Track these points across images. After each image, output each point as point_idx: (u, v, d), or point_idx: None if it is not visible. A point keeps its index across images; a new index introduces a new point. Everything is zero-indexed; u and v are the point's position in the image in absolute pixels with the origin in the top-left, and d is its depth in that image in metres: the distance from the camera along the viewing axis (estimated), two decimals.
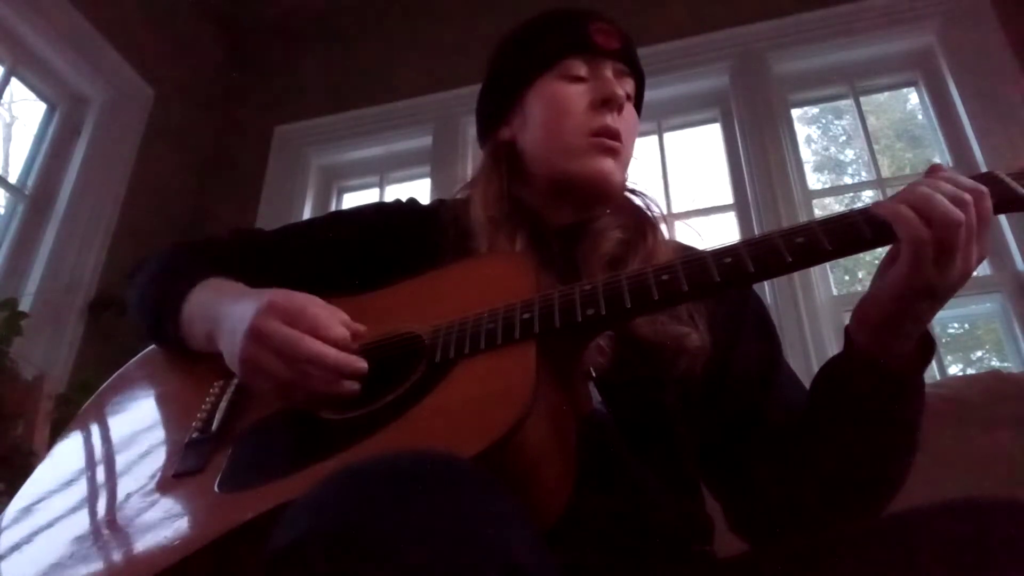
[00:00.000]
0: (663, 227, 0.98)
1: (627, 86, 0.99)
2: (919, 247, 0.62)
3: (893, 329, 0.69)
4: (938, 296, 0.66)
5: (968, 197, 0.63)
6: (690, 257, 0.68)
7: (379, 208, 1.07)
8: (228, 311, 0.77)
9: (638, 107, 1.05)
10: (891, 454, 0.76)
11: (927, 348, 0.72)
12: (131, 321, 0.96)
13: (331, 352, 0.70)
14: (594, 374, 0.78)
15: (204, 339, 0.81)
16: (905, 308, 0.67)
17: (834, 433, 0.76)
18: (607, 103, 0.94)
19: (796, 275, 2.06)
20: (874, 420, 0.73)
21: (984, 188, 0.64)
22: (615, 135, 0.94)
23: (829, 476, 0.77)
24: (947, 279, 0.64)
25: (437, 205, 1.03)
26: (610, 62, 0.97)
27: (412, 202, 1.05)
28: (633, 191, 1.03)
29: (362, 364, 0.71)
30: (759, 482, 0.83)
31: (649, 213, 0.99)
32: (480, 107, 1.09)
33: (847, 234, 0.64)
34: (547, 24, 1.03)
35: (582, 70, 0.97)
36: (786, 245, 0.65)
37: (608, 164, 0.93)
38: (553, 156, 0.96)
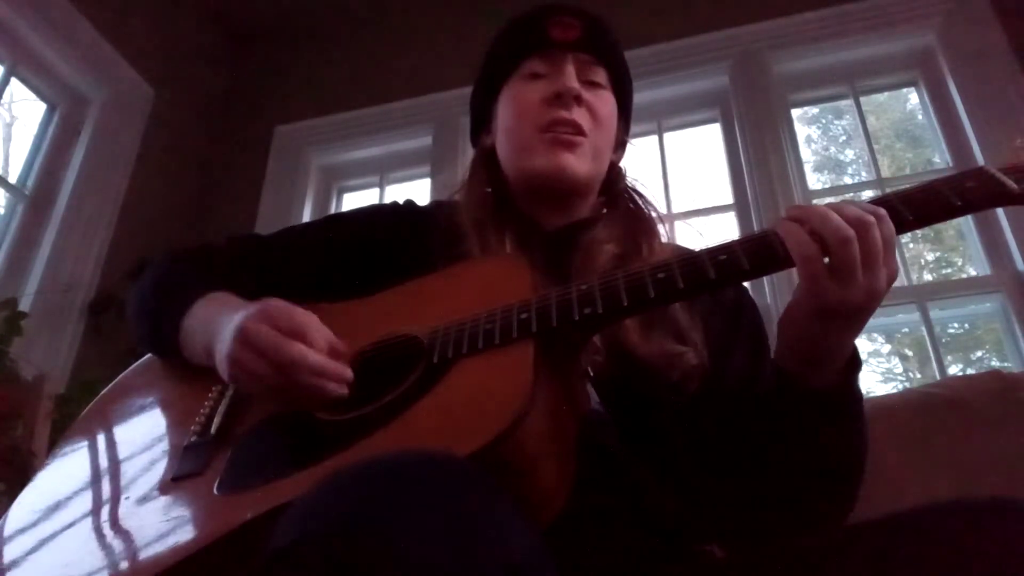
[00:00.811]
0: (662, 228, 0.97)
1: (594, 75, 0.98)
2: (807, 263, 0.63)
3: (806, 346, 0.69)
4: (844, 315, 0.65)
5: (869, 218, 0.63)
6: (686, 255, 0.68)
7: (376, 210, 1.07)
8: (223, 324, 0.78)
9: (620, 91, 1.03)
10: (822, 468, 0.75)
11: (851, 365, 0.71)
12: (130, 329, 0.96)
13: (312, 355, 0.70)
14: (592, 374, 0.78)
15: (203, 353, 0.81)
16: (809, 327, 0.67)
17: (767, 453, 0.77)
18: (559, 97, 0.93)
19: (796, 275, 2.05)
20: (801, 438, 0.74)
21: (883, 211, 0.64)
22: (571, 126, 0.93)
23: (771, 488, 0.78)
24: (850, 298, 0.63)
25: (434, 207, 1.04)
26: (570, 54, 0.97)
27: (409, 204, 1.06)
28: (633, 189, 1.03)
29: (346, 370, 0.71)
30: (731, 483, 0.83)
31: (646, 211, 0.99)
32: (470, 113, 1.11)
33: None
34: (512, 27, 1.04)
35: (541, 67, 0.97)
36: (780, 242, 0.66)
37: (565, 158, 0.92)
38: (514, 156, 0.97)
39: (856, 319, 0.66)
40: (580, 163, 0.94)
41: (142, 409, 0.87)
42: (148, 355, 0.94)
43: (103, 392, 0.92)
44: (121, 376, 0.94)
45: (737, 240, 0.68)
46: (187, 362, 0.85)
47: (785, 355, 0.72)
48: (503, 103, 1.00)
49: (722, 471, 0.85)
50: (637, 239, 0.92)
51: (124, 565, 0.64)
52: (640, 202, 1.01)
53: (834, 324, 0.66)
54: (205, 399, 0.80)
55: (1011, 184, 0.64)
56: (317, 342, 0.72)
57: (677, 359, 0.81)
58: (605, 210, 0.99)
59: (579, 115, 0.94)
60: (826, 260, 0.64)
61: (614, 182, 1.04)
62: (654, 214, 0.99)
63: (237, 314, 0.76)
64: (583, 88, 0.96)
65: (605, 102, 0.99)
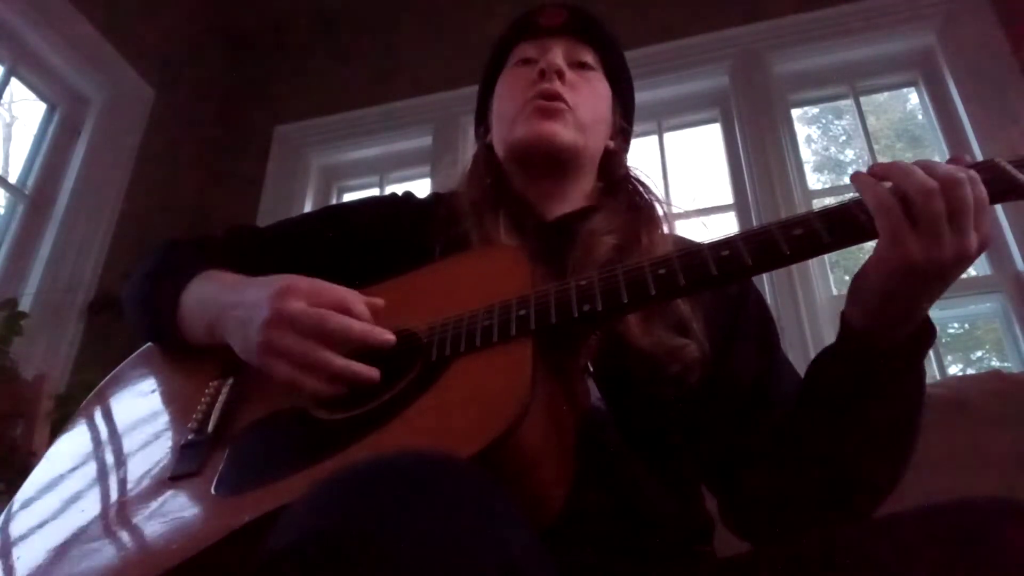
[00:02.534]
0: (664, 224, 0.96)
1: (582, 55, 1.01)
2: (888, 217, 0.61)
3: (883, 309, 0.67)
4: (926, 276, 0.63)
5: (960, 175, 0.61)
6: (687, 250, 0.67)
7: (375, 202, 1.07)
8: (233, 300, 0.77)
9: (614, 75, 1.04)
10: (886, 443, 0.74)
11: (925, 334, 0.70)
12: (127, 319, 0.95)
13: (357, 324, 0.70)
14: (591, 369, 0.78)
15: (204, 331, 0.81)
16: (892, 286, 0.65)
17: (827, 421, 0.75)
18: (542, 72, 0.96)
19: (796, 275, 2.06)
20: (866, 404, 0.72)
21: (976, 174, 0.62)
22: (551, 96, 0.94)
23: (824, 468, 0.76)
24: (935, 257, 0.61)
25: (432, 199, 1.04)
26: (557, 38, 1.00)
27: (408, 195, 1.06)
28: (635, 179, 1.03)
29: (389, 335, 0.71)
30: (756, 478, 0.82)
31: (648, 201, 0.98)
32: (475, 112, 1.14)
33: (844, 224, 0.64)
34: (509, 25, 1.08)
35: (530, 52, 1.00)
36: (784, 237, 0.64)
37: (547, 125, 0.93)
38: (503, 134, 0.99)
39: (939, 281, 0.64)
40: (563, 131, 0.94)
41: (140, 404, 0.86)
42: (145, 346, 0.94)
43: (100, 385, 0.91)
44: (118, 369, 0.93)
45: (739, 235, 0.67)
46: (186, 345, 0.85)
47: (855, 314, 0.70)
48: (496, 91, 1.04)
49: (728, 466, 0.85)
50: (637, 230, 0.91)
51: (120, 567, 0.64)
52: (642, 191, 1.01)
53: (915, 283, 0.64)
54: (202, 394, 0.79)
55: (1021, 177, 0.63)
56: (357, 307, 0.71)
57: (678, 352, 0.80)
58: (603, 204, 0.98)
59: (562, 89, 0.95)
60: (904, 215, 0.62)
61: (614, 170, 1.03)
62: (656, 204, 0.99)
63: (247, 292, 0.75)
64: (570, 68, 0.98)
65: (592, 81, 1.00)
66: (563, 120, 0.94)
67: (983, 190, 0.62)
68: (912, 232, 0.61)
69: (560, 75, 0.95)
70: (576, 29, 1.01)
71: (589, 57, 1.01)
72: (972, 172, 0.63)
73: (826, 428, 0.75)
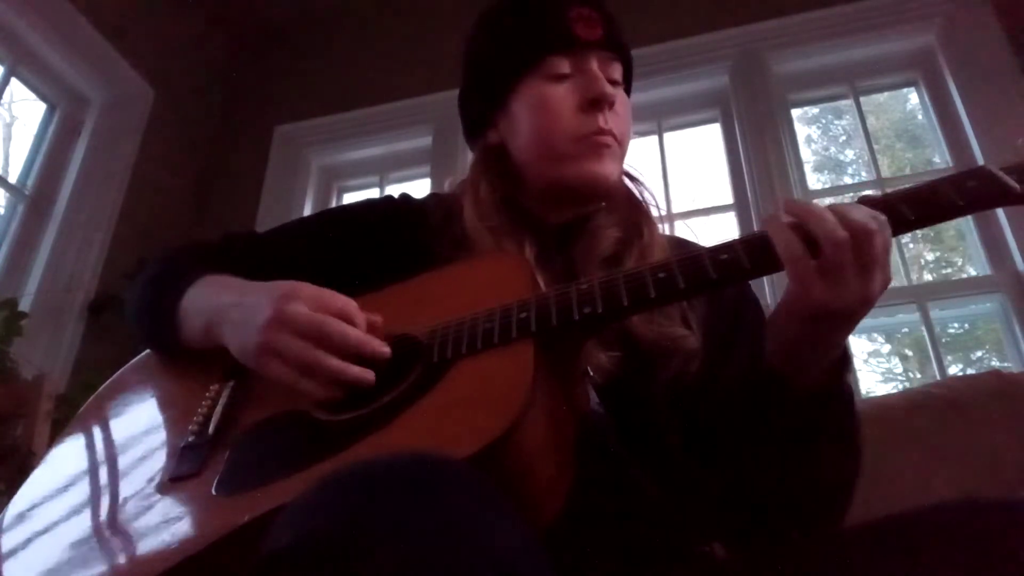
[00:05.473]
0: (656, 211, 0.97)
1: (615, 72, 0.95)
2: (793, 264, 0.62)
3: (796, 350, 0.68)
4: (834, 317, 0.64)
5: (873, 225, 0.62)
6: (687, 254, 0.68)
7: (371, 205, 1.05)
8: (232, 301, 0.77)
9: (628, 86, 1.01)
10: (817, 469, 0.74)
11: (843, 360, 0.71)
12: (129, 328, 0.95)
13: (354, 332, 0.71)
14: (592, 373, 0.78)
15: (202, 333, 0.81)
16: (801, 328, 0.66)
17: (758, 452, 0.76)
18: (596, 103, 0.90)
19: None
20: (792, 436, 0.72)
21: (884, 218, 0.63)
22: (608, 136, 0.91)
23: (766, 489, 0.77)
24: (841, 300, 0.62)
25: (430, 200, 1.02)
26: (594, 52, 0.93)
27: (404, 197, 1.04)
28: (631, 177, 1.01)
29: (385, 348, 0.72)
30: (726, 483, 0.82)
31: (644, 203, 0.98)
32: (464, 107, 1.04)
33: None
34: (526, 14, 0.96)
35: (565, 67, 0.92)
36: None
37: (605, 166, 0.91)
38: (546, 163, 0.93)
39: (846, 322, 0.65)
40: (614, 168, 0.92)
41: (140, 407, 0.86)
42: (146, 351, 0.94)
43: (100, 389, 0.91)
44: (118, 373, 0.93)
45: (739, 239, 0.67)
46: (185, 350, 0.85)
47: (774, 354, 0.71)
48: (525, 103, 0.93)
49: (722, 467, 0.85)
50: (639, 224, 0.92)
51: (119, 566, 0.64)
52: (634, 188, 1.00)
53: (824, 326, 0.65)
54: (203, 397, 0.80)
55: (1012, 184, 0.63)
56: (358, 317, 0.72)
57: (680, 341, 0.81)
58: (604, 203, 0.98)
59: (612, 120, 0.91)
60: (813, 261, 0.63)
61: None
62: (652, 202, 0.98)
63: (248, 295, 0.75)
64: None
65: (624, 101, 0.97)
66: (615, 158, 0.92)
67: (889, 234, 0.63)
68: (819, 279, 0.62)
69: (611, 105, 0.91)
70: (611, 43, 0.95)
71: (618, 73, 0.96)
72: (882, 217, 0.63)
73: (756, 457, 0.76)
